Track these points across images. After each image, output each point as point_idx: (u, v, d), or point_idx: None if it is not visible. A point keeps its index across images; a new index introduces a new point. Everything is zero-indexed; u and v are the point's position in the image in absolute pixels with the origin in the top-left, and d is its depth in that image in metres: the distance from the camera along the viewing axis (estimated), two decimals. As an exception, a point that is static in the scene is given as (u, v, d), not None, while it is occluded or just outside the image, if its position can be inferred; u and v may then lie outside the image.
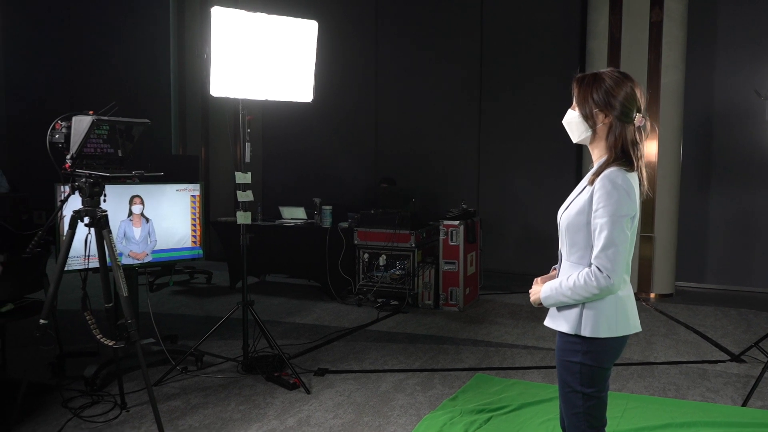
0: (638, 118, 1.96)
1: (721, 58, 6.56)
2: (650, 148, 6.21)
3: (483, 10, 7.57)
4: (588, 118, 1.99)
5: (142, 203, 4.07)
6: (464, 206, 6.14)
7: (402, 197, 6.28)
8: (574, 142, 2.09)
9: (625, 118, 1.94)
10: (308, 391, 3.81)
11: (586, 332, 1.93)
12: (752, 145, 6.34)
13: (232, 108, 7.71)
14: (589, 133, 2.00)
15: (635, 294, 6.79)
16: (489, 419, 3.44)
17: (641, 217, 6.25)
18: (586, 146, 2.08)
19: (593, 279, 1.87)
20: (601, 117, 1.97)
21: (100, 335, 3.16)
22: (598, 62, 6.29)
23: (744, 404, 3.62)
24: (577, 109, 2.02)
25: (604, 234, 1.87)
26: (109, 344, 3.17)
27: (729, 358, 4.44)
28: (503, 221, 7.52)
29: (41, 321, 3.00)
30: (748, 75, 6.30)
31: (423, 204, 7.09)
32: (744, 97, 6.28)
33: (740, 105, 6.40)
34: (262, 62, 3.83)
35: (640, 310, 6.00)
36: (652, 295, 6.31)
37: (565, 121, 2.07)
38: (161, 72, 8.67)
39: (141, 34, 9.18)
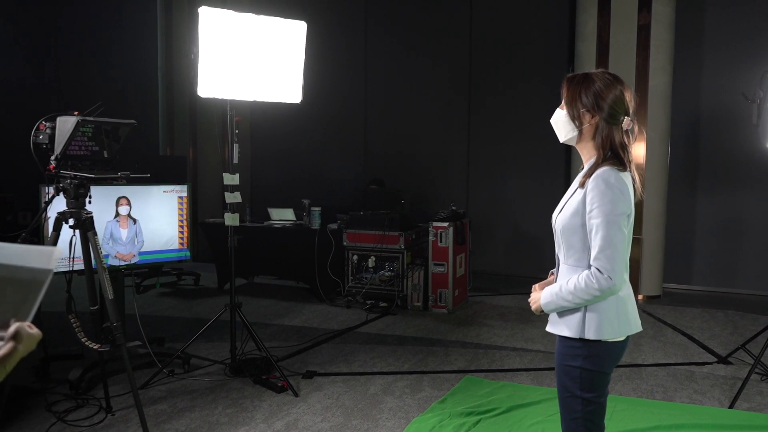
0: (626, 122, 1.96)
1: (709, 61, 6.60)
2: (638, 151, 6.24)
3: (472, 12, 7.58)
4: (575, 118, 1.99)
5: (129, 204, 4.03)
6: (453, 208, 6.13)
7: (391, 199, 6.27)
8: (561, 141, 2.08)
9: (612, 120, 1.95)
10: (296, 394, 3.78)
11: (590, 335, 1.91)
12: (739, 148, 6.38)
13: (220, 108, 7.71)
14: (575, 133, 2.01)
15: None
16: (478, 422, 3.43)
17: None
18: (575, 148, 2.08)
19: (594, 281, 1.86)
20: (587, 117, 1.97)
21: (85, 338, 3.12)
22: (587, 64, 6.32)
23: (731, 406, 3.64)
24: (565, 108, 2.02)
25: (600, 234, 1.86)
26: (94, 347, 3.13)
27: (716, 360, 4.46)
28: (493, 223, 7.53)
29: (25, 324, 2.95)
30: (736, 78, 6.35)
31: (413, 205, 7.08)
32: (731, 99, 6.33)
33: (727, 107, 6.44)
34: (251, 63, 3.80)
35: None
36: (640, 297, 6.33)
37: (552, 120, 2.08)
38: (149, 72, 8.61)
39: (129, 34, 9.10)
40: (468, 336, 5.06)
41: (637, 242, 6.22)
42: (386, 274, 5.91)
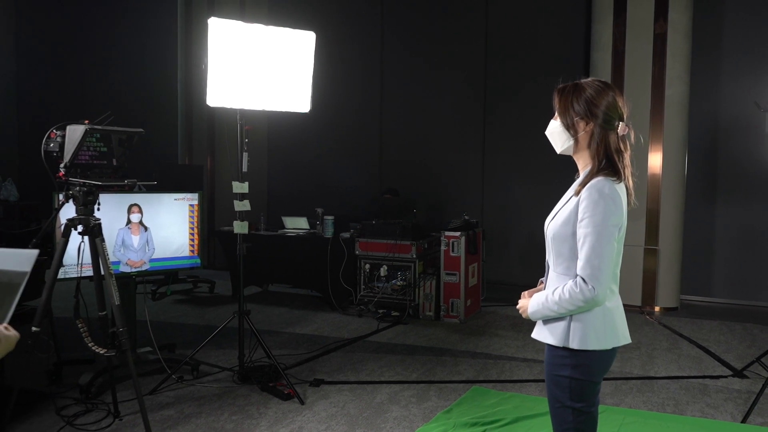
0: (621, 127, 1.95)
1: (727, 70, 6.50)
2: (655, 160, 6.17)
3: (488, 21, 7.58)
4: (569, 127, 1.99)
5: (140, 212, 4.09)
6: (466, 217, 6.11)
7: (405, 208, 6.28)
8: (558, 152, 2.08)
9: (607, 126, 1.94)
10: (302, 402, 3.79)
11: (574, 344, 1.91)
12: (759, 157, 6.26)
13: (235, 118, 7.79)
14: (571, 142, 2.00)
15: (639, 307, 6.56)
16: (482, 432, 3.41)
17: (645, 229, 6.22)
18: None
19: (578, 291, 1.85)
20: (582, 125, 1.96)
21: (92, 343, 3.17)
22: (602, 73, 6.27)
23: (743, 421, 3.55)
24: (558, 119, 2.01)
25: (589, 245, 1.85)
26: (101, 352, 3.18)
27: (731, 373, 4.37)
28: (507, 232, 7.48)
29: (33, 328, 3.01)
30: (755, 87, 6.24)
31: (427, 214, 7.07)
32: (750, 108, 6.22)
33: (746, 117, 6.33)
34: (259, 72, 3.85)
35: (644, 323, 5.98)
36: (657, 309, 6.23)
37: (547, 132, 2.07)
38: (169, 82, 8.76)
39: (150, 45, 9.28)
40: (478, 346, 5.03)
41: (653, 253, 6.13)
42: (398, 283, 5.90)
